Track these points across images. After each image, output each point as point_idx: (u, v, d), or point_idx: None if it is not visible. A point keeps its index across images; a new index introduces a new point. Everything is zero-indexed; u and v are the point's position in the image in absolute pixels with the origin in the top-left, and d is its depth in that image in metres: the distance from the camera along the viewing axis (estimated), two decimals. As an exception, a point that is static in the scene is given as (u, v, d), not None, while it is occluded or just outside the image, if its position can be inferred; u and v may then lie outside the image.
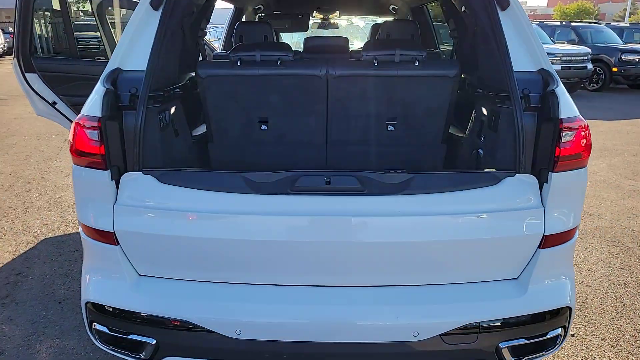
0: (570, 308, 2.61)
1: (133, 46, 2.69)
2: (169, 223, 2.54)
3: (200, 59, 4.14)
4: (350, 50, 4.22)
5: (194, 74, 3.24)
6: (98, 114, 2.49)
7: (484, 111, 3.09)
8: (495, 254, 2.58)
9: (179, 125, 3.26)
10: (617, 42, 18.28)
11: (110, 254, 2.63)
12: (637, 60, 16.57)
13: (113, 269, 2.66)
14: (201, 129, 3.63)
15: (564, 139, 2.44)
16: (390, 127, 3.35)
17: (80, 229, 2.78)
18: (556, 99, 2.43)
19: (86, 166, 2.59)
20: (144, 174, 2.51)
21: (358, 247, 2.52)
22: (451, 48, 4.53)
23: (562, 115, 2.43)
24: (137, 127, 2.52)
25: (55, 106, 4.85)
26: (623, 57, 16.61)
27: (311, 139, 3.39)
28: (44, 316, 3.99)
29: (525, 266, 2.61)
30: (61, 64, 5.38)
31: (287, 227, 2.53)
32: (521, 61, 2.64)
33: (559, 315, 2.60)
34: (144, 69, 2.55)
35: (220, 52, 5.49)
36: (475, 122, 3.26)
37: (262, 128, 3.37)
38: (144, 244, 2.60)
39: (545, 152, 2.51)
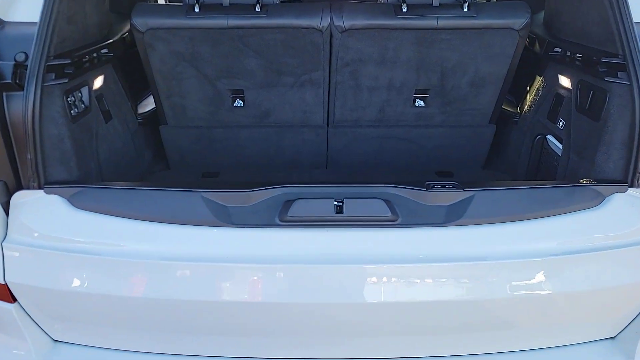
0: None
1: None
2: (90, 274, 1.62)
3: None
4: None
5: None
6: None
7: (565, 82, 2.11)
8: (589, 308, 1.73)
9: (112, 103, 2.23)
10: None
11: (5, 316, 1.73)
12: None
13: (12, 337, 1.77)
14: (152, 102, 2.59)
15: None
16: (419, 102, 2.37)
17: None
18: None
19: (-47, 183, 1.64)
20: (46, 193, 1.71)
21: (386, 310, 1.63)
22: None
23: None
24: (29, 119, 1.59)
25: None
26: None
27: (306, 119, 2.41)
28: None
29: (629, 322, 1.77)
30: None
31: (274, 282, 1.63)
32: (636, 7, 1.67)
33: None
34: (37, 20, 1.66)
35: None
36: (545, 97, 2.28)
37: (235, 104, 2.36)
38: (55, 301, 1.69)
39: None
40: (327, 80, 2.26)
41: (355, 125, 2.43)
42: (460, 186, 1.69)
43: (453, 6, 2.04)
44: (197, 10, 2.04)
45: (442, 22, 2.04)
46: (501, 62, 2.17)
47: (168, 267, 1.60)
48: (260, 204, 1.66)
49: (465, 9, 2.04)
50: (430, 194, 1.67)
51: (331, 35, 2.10)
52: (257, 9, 2.04)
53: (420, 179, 2.50)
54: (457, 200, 1.67)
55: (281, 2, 2.14)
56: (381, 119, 2.40)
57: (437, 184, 1.71)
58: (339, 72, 2.20)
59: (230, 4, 2.02)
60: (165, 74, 2.21)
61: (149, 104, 2.58)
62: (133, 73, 2.41)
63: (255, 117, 2.40)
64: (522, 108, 2.49)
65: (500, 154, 2.64)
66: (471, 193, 1.67)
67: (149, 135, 2.57)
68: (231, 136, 2.45)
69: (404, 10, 2.03)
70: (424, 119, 2.41)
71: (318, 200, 1.63)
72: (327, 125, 2.45)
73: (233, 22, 2.04)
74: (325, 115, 2.41)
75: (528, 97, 2.44)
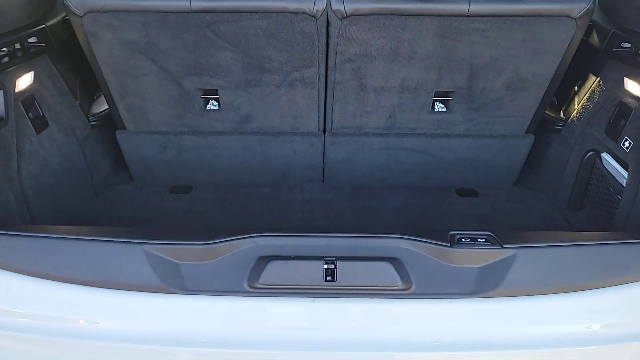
0: None
1: None
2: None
3: None
4: None
5: None
6: None
7: (635, 89, 1.62)
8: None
9: (49, 106, 1.76)
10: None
11: None
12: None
13: None
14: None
15: None
16: (440, 107, 1.88)
17: None
18: None
19: None
20: None
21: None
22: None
23: None
24: None
25: None
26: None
27: (297, 126, 1.94)
28: None
29: None
30: None
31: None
32: None
33: None
34: None
35: None
36: (602, 104, 1.79)
37: (209, 107, 1.89)
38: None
39: None
40: (324, 79, 1.77)
41: (358, 134, 1.96)
42: (497, 240, 1.24)
43: None
44: None
45: (476, 7, 1.53)
46: (549, 60, 1.68)
47: (91, 350, 1.18)
48: (224, 262, 1.23)
49: None
50: (456, 251, 1.22)
51: (328, 23, 1.61)
52: None
53: (436, 198, 2.05)
54: (493, 261, 1.22)
55: None
56: (391, 126, 1.92)
57: (465, 236, 1.26)
58: (338, 70, 1.72)
59: None
60: (115, 70, 1.73)
61: (104, 103, 2.11)
62: (83, 63, 1.94)
63: (234, 123, 1.92)
64: (567, 113, 1.99)
65: (536, 168, 2.16)
66: (512, 251, 1.22)
67: (106, 139, 2.11)
68: (204, 144, 1.98)
69: None
70: (445, 127, 1.93)
71: (302, 262, 1.19)
72: (324, 132, 1.97)
73: (199, 4, 1.55)
74: (321, 121, 1.93)
75: (577, 101, 1.94)
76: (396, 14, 1.56)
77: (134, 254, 1.22)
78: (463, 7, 1.53)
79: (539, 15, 1.56)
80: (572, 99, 1.98)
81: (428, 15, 1.56)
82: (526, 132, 1.95)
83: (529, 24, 1.58)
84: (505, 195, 2.08)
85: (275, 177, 2.10)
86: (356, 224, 1.90)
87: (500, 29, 1.59)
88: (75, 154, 1.88)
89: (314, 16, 1.57)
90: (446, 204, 2.03)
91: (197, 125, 1.93)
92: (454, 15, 1.56)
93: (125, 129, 1.96)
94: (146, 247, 1.22)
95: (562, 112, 2.04)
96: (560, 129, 2.00)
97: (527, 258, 1.22)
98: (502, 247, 1.23)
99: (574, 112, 1.93)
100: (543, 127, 2.01)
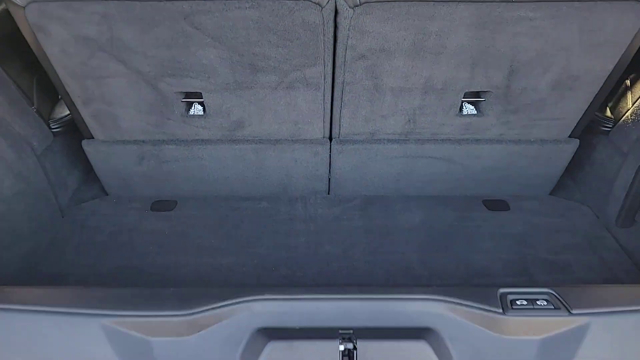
0: None
1: None
2: None
3: None
4: None
5: None
6: None
7: None
8: None
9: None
10: None
11: None
12: None
13: None
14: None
15: None
16: (469, 109, 1.58)
17: None
18: None
19: None
20: None
21: None
22: None
23: None
24: None
25: None
26: None
27: (298, 132, 1.63)
28: None
29: None
30: None
31: None
32: None
33: None
34: None
35: None
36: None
37: (192, 112, 1.58)
38: None
39: None
40: (330, 79, 1.46)
41: (371, 140, 1.65)
42: (563, 303, 0.97)
43: None
44: None
45: None
46: (608, 54, 1.36)
47: None
48: (208, 337, 0.95)
49: None
50: (511, 319, 0.95)
51: (336, 12, 1.28)
52: None
53: (461, 213, 1.75)
54: (559, 332, 0.95)
55: None
56: (410, 131, 1.62)
57: (520, 296, 0.98)
58: (348, 68, 1.40)
59: None
60: (73, 71, 1.40)
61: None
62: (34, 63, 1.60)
63: (223, 130, 1.61)
64: (616, 112, 1.69)
65: (576, 174, 1.87)
66: (584, 319, 0.95)
67: (73, 147, 1.80)
68: (189, 155, 1.68)
69: None
70: (474, 132, 1.62)
71: (310, 342, 0.91)
72: (330, 140, 1.67)
73: None
74: (327, 126, 1.63)
75: (630, 99, 1.63)
76: (422, 0, 1.24)
77: (88, 331, 0.94)
78: None
79: (602, 1, 1.24)
80: (624, 96, 1.67)
81: (463, 1, 1.24)
82: (570, 136, 1.66)
83: (588, 10, 1.26)
84: (540, 208, 1.80)
85: (273, 189, 1.80)
86: (370, 249, 1.62)
87: (552, 17, 1.27)
88: (32, 172, 1.57)
89: (318, 4, 1.24)
90: (473, 220, 1.75)
91: (179, 132, 1.62)
92: (496, 2, 1.24)
93: (92, 138, 1.65)
94: (105, 320, 0.94)
95: (610, 110, 1.73)
96: (608, 131, 1.70)
97: (603, 328, 0.95)
98: (571, 314, 0.95)
99: (628, 113, 1.63)
100: (587, 127, 1.71)
